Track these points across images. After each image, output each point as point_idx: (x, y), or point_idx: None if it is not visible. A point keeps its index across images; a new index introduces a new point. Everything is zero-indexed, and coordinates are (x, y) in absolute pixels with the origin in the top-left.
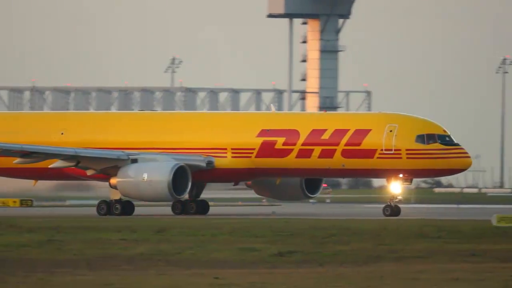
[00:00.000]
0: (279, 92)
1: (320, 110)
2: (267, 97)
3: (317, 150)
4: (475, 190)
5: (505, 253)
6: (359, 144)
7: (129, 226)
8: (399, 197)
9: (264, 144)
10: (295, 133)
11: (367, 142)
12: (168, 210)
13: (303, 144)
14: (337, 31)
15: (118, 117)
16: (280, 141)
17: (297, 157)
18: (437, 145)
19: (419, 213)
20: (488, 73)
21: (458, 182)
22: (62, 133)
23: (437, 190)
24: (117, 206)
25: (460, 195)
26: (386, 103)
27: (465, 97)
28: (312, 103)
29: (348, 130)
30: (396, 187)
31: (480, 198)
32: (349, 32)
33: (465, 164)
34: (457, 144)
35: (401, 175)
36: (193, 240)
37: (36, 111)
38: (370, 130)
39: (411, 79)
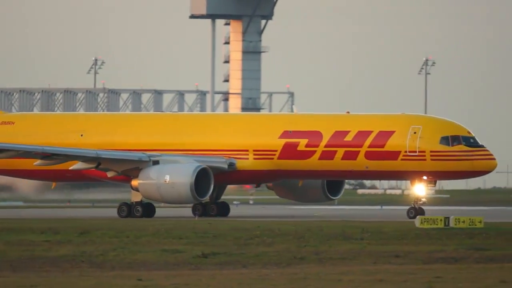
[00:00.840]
0: (202, 93)
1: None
2: (190, 98)
3: (340, 152)
4: (398, 192)
5: (427, 255)
6: (382, 146)
7: (52, 227)
8: (424, 199)
9: (286, 145)
10: (317, 134)
11: (391, 144)
12: (188, 212)
13: (326, 146)
14: (260, 32)
15: (138, 118)
16: (302, 142)
17: (320, 158)
18: (461, 147)
19: (343, 215)
20: (411, 74)
21: (381, 183)
22: (81, 135)
23: (360, 191)
24: (138, 208)
25: (383, 196)
26: (309, 104)
27: (388, 95)
28: (235, 104)
29: (372, 131)
30: (420, 189)
31: (402, 199)
32: (272, 33)
33: (490, 166)
34: (482, 146)
35: (425, 177)
36: (117, 242)
37: (55, 112)
38: (394, 131)
39: (333, 80)
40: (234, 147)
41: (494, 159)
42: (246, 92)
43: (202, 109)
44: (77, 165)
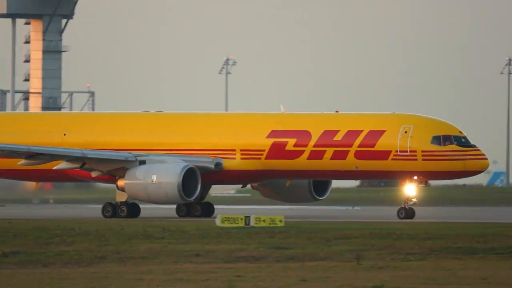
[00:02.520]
0: (3, 93)
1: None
2: None
3: (329, 151)
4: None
5: (228, 254)
6: (373, 146)
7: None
8: (414, 200)
9: (274, 145)
10: (306, 134)
11: (382, 144)
12: (172, 212)
13: (314, 146)
14: (61, 31)
15: (122, 118)
16: (291, 142)
17: (308, 158)
18: (453, 147)
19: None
20: None
21: None
22: (64, 134)
23: None
24: (123, 209)
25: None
26: (109, 104)
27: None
28: (35, 103)
29: (362, 131)
30: (410, 190)
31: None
32: (73, 32)
33: (482, 166)
34: (473, 146)
35: (415, 177)
36: None
37: (38, 112)
38: (385, 131)
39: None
40: (221, 146)
41: (486, 159)
42: (46, 91)
43: (2, 108)
44: (61, 165)
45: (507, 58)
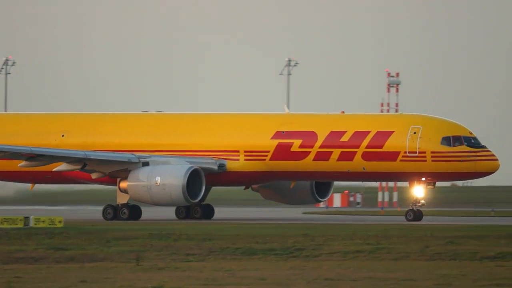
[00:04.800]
0: None
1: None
2: None
3: (336, 152)
4: None
5: (7, 255)
6: (381, 147)
7: None
8: (422, 201)
9: (279, 146)
10: (312, 135)
11: (390, 144)
12: (171, 213)
13: (321, 147)
14: None
15: (123, 119)
16: (296, 143)
17: (314, 159)
18: (463, 148)
19: None
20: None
21: None
22: (63, 135)
23: None
24: (124, 211)
25: None
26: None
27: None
28: None
29: (369, 132)
30: (419, 191)
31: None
32: None
33: (493, 167)
34: (483, 146)
35: (423, 179)
36: None
37: (36, 112)
38: (393, 132)
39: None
40: (224, 147)
41: (496, 159)
42: None
43: None
44: (62, 167)
45: None
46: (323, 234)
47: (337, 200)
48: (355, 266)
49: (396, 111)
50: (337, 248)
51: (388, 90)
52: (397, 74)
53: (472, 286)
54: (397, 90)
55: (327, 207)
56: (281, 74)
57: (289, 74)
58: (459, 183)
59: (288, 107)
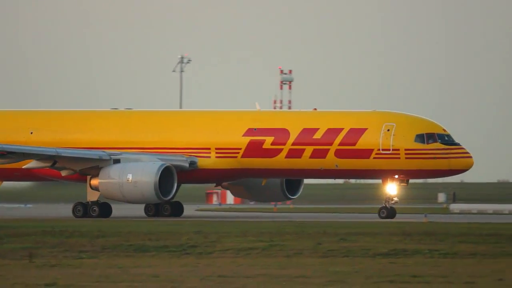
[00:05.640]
0: None
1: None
2: None
3: (309, 150)
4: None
5: None
6: (354, 144)
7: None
8: (395, 199)
9: (251, 143)
10: (284, 132)
11: (363, 142)
12: (140, 211)
13: (293, 144)
14: None
15: (92, 116)
16: (268, 140)
17: (287, 157)
18: (437, 145)
19: None
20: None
21: None
22: (31, 132)
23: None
24: (94, 208)
25: None
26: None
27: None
28: None
29: (342, 129)
30: (392, 188)
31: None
32: None
33: (467, 165)
34: (457, 144)
35: (396, 176)
36: None
37: (3, 109)
38: (366, 129)
39: None
40: (195, 145)
41: (471, 157)
42: None
43: None
44: (31, 164)
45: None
46: (216, 231)
47: (230, 197)
48: (248, 263)
49: (289, 108)
50: (230, 245)
51: (281, 87)
52: (290, 71)
53: (364, 283)
54: (290, 87)
55: (220, 204)
56: (173, 71)
57: (181, 71)
58: (352, 180)
59: (180, 105)
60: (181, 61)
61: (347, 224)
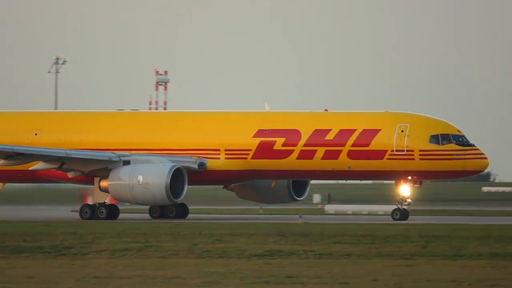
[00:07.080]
0: None
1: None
2: None
3: (321, 151)
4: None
5: None
6: (367, 145)
7: None
8: (409, 200)
9: (261, 144)
10: (296, 133)
11: (376, 143)
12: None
13: (305, 145)
14: None
15: (97, 116)
16: (279, 141)
17: (298, 158)
18: (452, 146)
19: None
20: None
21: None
22: (36, 134)
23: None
24: (102, 210)
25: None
26: None
27: None
28: None
29: (355, 130)
30: (405, 190)
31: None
32: None
33: (482, 166)
34: (472, 145)
35: (409, 177)
36: None
37: (8, 111)
38: (380, 130)
39: None
40: (204, 146)
41: (486, 158)
42: None
43: None
44: (39, 165)
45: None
46: (92, 232)
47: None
48: (124, 264)
49: (165, 109)
50: (105, 246)
51: (157, 88)
52: (165, 72)
53: (240, 284)
54: (165, 88)
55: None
56: (49, 72)
57: (57, 72)
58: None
59: (56, 106)
60: (56, 62)
61: (223, 226)
